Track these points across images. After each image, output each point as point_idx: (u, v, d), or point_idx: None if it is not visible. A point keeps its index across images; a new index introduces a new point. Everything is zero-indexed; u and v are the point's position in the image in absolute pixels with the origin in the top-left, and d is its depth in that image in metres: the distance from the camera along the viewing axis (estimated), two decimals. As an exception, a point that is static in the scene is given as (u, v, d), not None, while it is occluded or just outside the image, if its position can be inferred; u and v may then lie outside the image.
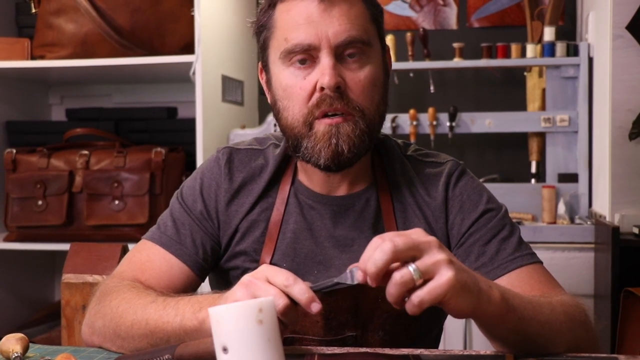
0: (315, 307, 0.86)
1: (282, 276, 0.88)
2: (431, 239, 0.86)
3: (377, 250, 0.83)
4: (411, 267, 0.84)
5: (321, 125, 1.08)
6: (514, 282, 1.09)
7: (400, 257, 0.84)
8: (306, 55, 1.08)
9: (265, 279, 0.89)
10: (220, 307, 0.78)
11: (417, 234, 0.86)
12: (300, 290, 0.87)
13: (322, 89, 1.07)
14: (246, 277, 0.91)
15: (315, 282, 0.91)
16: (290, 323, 0.89)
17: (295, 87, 1.09)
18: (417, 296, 0.84)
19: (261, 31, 1.15)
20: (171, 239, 1.17)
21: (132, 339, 1.04)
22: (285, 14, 1.10)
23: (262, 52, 1.17)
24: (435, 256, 0.85)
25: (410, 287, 0.84)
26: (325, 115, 1.08)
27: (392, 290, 0.84)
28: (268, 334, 0.78)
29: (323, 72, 1.06)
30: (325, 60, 1.07)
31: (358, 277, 0.87)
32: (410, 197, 1.18)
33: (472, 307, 0.88)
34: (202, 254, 1.18)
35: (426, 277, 0.84)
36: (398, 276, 0.83)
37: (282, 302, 0.86)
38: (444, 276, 0.84)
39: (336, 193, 1.19)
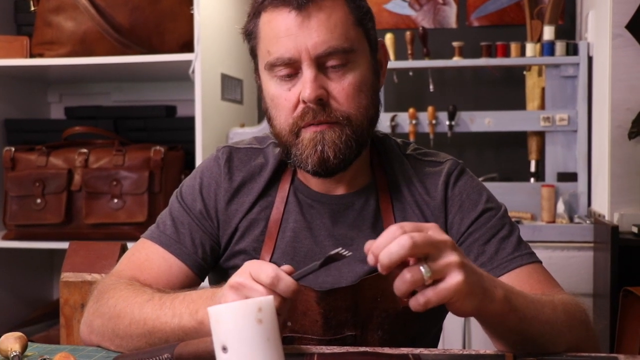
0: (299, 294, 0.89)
1: (265, 274, 0.88)
2: (447, 238, 0.87)
3: (395, 243, 0.83)
4: (423, 268, 0.84)
5: (307, 133, 1.09)
6: (513, 282, 1.08)
7: (416, 254, 0.84)
8: (289, 68, 1.08)
9: (250, 276, 0.89)
10: (220, 307, 0.78)
11: (434, 231, 0.87)
12: (285, 287, 0.88)
13: (304, 101, 1.07)
14: (233, 279, 0.91)
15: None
16: (285, 314, 0.90)
17: (281, 99, 1.10)
18: (425, 296, 0.84)
19: (249, 39, 1.15)
20: (170, 238, 1.17)
21: (130, 338, 1.04)
22: (267, 25, 1.09)
23: (252, 58, 1.17)
24: (449, 258, 0.85)
25: (419, 285, 0.84)
26: (311, 124, 1.08)
27: (400, 286, 0.84)
28: (267, 333, 0.78)
29: (304, 86, 1.06)
30: (306, 73, 1.06)
31: (370, 261, 0.86)
32: (410, 196, 1.18)
33: (476, 308, 0.89)
34: (201, 253, 1.18)
35: (436, 277, 0.85)
36: (409, 275, 0.84)
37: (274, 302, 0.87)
38: (454, 279, 0.84)
39: (335, 192, 1.18)
